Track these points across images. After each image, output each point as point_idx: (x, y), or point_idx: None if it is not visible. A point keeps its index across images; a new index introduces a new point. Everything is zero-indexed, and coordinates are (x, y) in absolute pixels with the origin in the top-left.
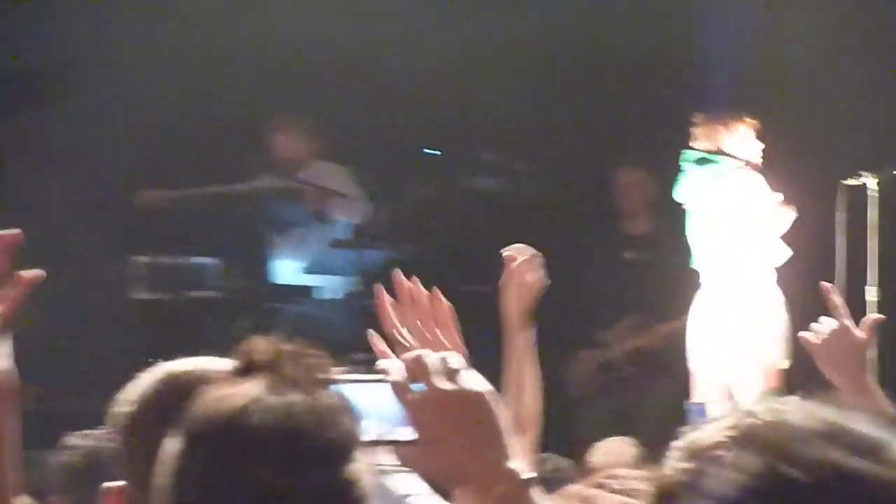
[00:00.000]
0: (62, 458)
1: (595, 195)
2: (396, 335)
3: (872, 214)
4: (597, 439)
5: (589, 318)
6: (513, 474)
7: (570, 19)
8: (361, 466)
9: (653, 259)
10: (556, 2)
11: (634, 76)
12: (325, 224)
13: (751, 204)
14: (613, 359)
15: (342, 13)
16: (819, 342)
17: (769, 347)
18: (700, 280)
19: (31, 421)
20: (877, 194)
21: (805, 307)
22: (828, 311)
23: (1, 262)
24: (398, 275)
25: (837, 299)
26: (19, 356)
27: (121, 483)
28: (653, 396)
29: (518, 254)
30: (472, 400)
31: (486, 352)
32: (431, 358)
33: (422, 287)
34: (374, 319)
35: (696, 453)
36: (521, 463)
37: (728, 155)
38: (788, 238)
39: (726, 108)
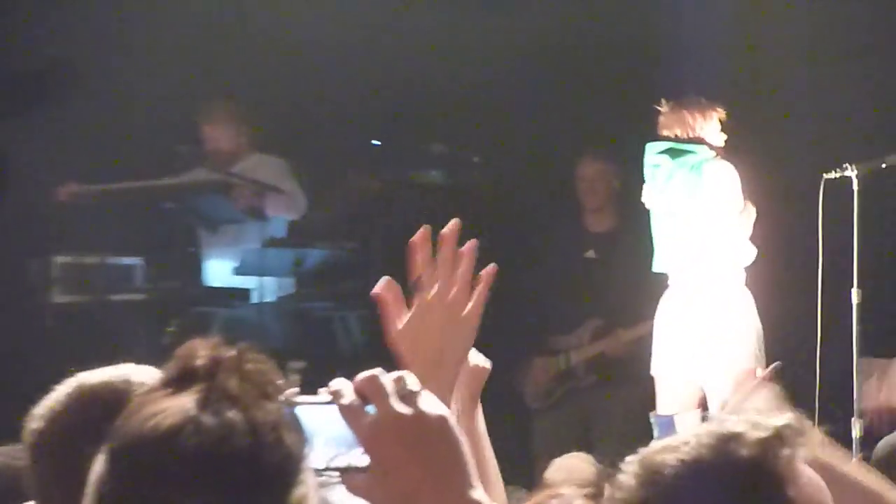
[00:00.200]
0: None
1: (554, 189)
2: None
3: (855, 209)
4: (555, 455)
5: (546, 322)
6: None
7: (526, 2)
8: (307, 491)
9: (616, 258)
10: None
11: (598, 62)
12: (260, 221)
13: (726, 198)
14: (573, 367)
15: None
16: None
17: (742, 353)
18: (667, 281)
19: None
20: (860, 188)
21: (782, 310)
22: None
23: None
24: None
25: None
26: None
27: None
28: (616, 408)
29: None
30: (430, 424)
31: None
32: (385, 378)
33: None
34: (312, 324)
35: (651, 474)
36: (483, 493)
37: (703, 143)
38: (763, 236)
39: (696, 96)
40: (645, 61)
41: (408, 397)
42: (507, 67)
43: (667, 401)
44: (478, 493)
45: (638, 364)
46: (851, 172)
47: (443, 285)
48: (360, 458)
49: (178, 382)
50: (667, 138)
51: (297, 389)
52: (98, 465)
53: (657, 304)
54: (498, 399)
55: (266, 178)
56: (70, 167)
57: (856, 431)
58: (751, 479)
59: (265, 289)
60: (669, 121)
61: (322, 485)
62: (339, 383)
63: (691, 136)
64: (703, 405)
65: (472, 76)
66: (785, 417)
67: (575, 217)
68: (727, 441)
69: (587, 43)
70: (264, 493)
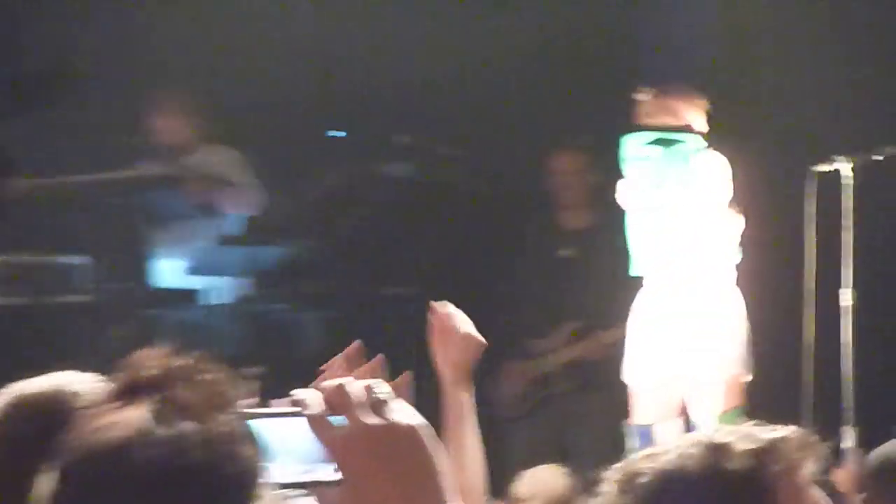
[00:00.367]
0: None
1: (528, 184)
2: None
3: (847, 205)
4: (529, 466)
5: (519, 325)
6: None
7: None
8: None
9: (594, 257)
10: None
11: (573, 52)
12: (214, 217)
13: (718, 191)
14: (548, 373)
15: None
16: None
17: (729, 359)
18: (644, 281)
19: None
20: (852, 182)
21: (771, 312)
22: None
23: None
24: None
25: None
26: None
27: None
28: (595, 416)
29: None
30: (402, 435)
31: (404, 367)
32: (355, 387)
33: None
34: (270, 327)
35: (633, 483)
36: None
37: (692, 131)
38: (748, 234)
39: (677, 86)
40: (622, 51)
41: (378, 407)
42: (478, 56)
43: (644, 409)
44: None
45: (618, 369)
46: (842, 165)
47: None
48: (330, 473)
49: (128, 394)
50: (651, 128)
51: (254, 399)
52: (49, 483)
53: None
54: None
55: (220, 172)
56: (70, 167)
57: (847, 441)
58: (736, 492)
59: (219, 290)
60: (654, 108)
61: (284, 498)
62: (304, 392)
63: (679, 123)
64: (685, 414)
65: (440, 65)
66: (785, 430)
67: (549, 213)
68: (714, 452)
69: (561, 33)
70: None
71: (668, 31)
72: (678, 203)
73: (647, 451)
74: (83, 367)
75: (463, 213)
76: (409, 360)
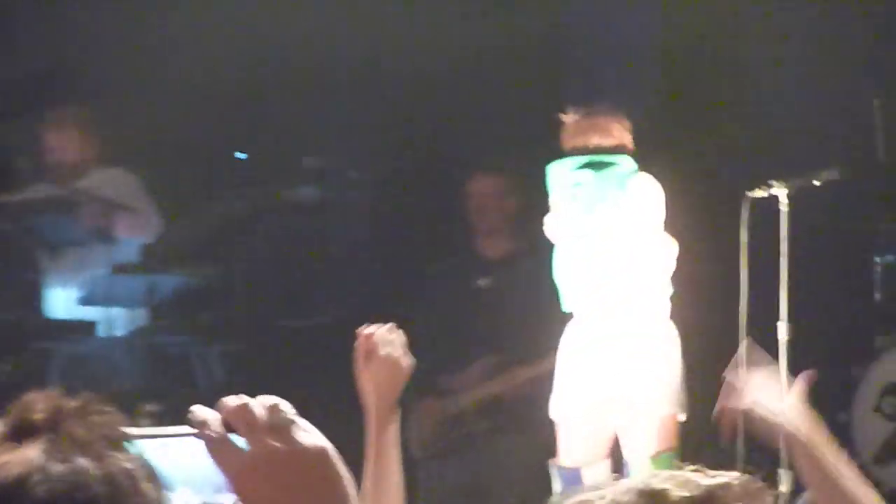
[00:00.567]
0: None
1: (442, 209)
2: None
3: (784, 232)
4: None
5: (432, 360)
6: None
7: (408, 4)
8: None
9: (513, 287)
10: None
11: (493, 70)
12: (109, 243)
13: (652, 217)
14: (463, 411)
15: None
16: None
17: (662, 397)
18: (569, 311)
19: None
20: (789, 209)
21: (704, 347)
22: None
23: None
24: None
25: None
26: None
27: None
28: (512, 457)
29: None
30: (308, 459)
31: (310, 402)
32: (257, 407)
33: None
34: (167, 361)
35: None
36: None
37: (625, 153)
38: (679, 263)
39: (605, 106)
40: (546, 72)
41: (283, 429)
42: (391, 73)
43: (572, 450)
44: None
45: (538, 407)
46: (779, 191)
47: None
48: (228, 500)
49: (18, 436)
50: (579, 151)
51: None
52: None
53: (557, 340)
54: None
55: (116, 195)
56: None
57: (783, 484)
58: None
59: (114, 321)
60: (582, 128)
61: None
62: (204, 412)
63: (611, 145)
64: (614, 455)
65: (350, 82)
66: (726, 476)
67: (466, 241)
68: (649, 500)
69: (481, 50)
70: None
71: (597, 53)
72: (610, 229)
73: (576, 497)
74: None
75: (373, 239)
76: (316, 392)
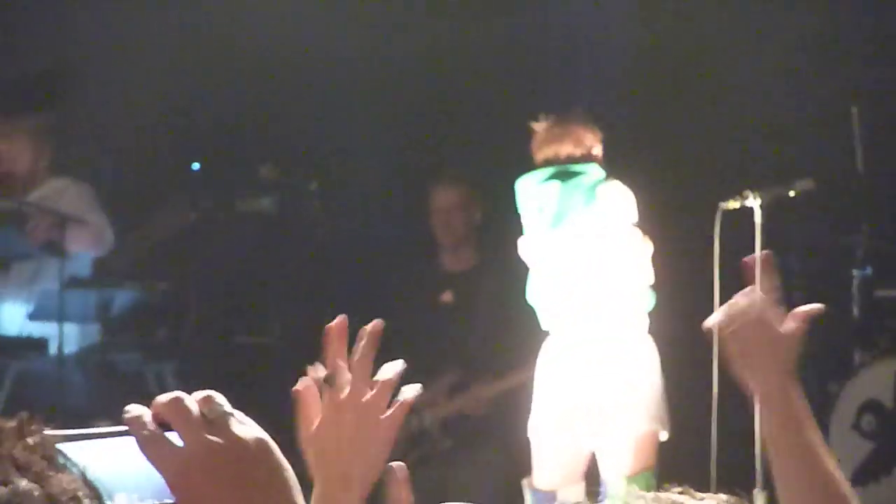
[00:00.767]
0: None
1: (404, 221)
2: None
3: (757, 244)
4: None
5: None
6: None
7: (372, 10)
8: None
9: (477, 302)
10: None
11: (458, 79)
12: (60, 258)
13: (624, 226)
14: (426, 428)
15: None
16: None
17: (642, 414)
18: (547, 329)
19: None
20: (763, 220)
21: (677, 364)
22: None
23: None
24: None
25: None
26: None
27: None
28: (477, 476)
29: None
30: (247, 451)
31: (268, 421)
32: (190, 401)
33: None
34: (121, 379)
35: None
36: None
37: (595, 161)
38: (657, 277)
39: (577, 114)
40: (518, 79)
41: (219, 422)
42: (353, 80)
43: (547, 470)
44: None
45: (503, 425)
46: (753, 202)
47: (357, 386)
48: (167, 498)
49: None
50: (549, 161)
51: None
52: None
53: (525, 354)
54: None
55: (68, 207)
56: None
57: None
58: None
59: (65, 337)
60: (554, 136)
61: None
62: (138, 410)
63: (583, 154)
64: (590, 475)
65: (310, 88)
66: (713, 499)
67: (429, 255)
68: None
69: (446, 57)
70: None
71: (570, 61)
72: (580, 240)
73: None
74: None
75: (331, 253)
76: (275, 410)
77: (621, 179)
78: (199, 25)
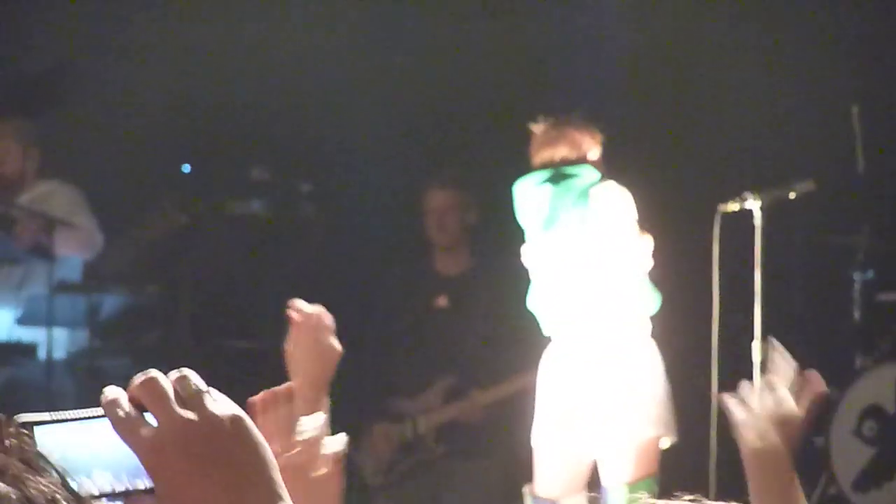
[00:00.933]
0: None
1: (398, 224)
2: None
3: (757, 247)
4: None
5: (388, 382)
6: None
7: (364, 15)
8: None
9: (472, 306)
10: None
11: (452, 81)
12: (48, 261)
13: (621, 227)
14: (420, 436)
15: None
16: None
17: (645, 418)
18: (541, 333)
19: None
20: (763, 222)
21: (676, 368)
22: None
23: None
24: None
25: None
26: None
27: None
28: (471, 484)
29: (303, 310)
30: (222, 429)
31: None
32: (164, 380)
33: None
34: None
35: None
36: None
37: (590, 164)
38: (652, 279)
39: (576, 117)
40: (513, 80)
41: (193, 399)
42: (348, 82)
43: (548, 478)
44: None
45: (499, 432)
46: (753, 204)
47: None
48: (144, 479)
49: None
50: (546, 164)
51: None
52: None
53: (521, 359)
54: None
55: (56, 211)
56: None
57: None
58: None
59: (54, 342)
60: (549, 139)
61: None
62: (113, 392)
63: (578, 157)
64: (591, 482)
65: (302, 91)
66: None
67: (423, 257)
68: None
69: (442, 59)
70: None
71: (569, 64)
72: (578, 242)
73: None
74: None
75: (324, 255)
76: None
77: (620, 182)
78: (190, 28)
